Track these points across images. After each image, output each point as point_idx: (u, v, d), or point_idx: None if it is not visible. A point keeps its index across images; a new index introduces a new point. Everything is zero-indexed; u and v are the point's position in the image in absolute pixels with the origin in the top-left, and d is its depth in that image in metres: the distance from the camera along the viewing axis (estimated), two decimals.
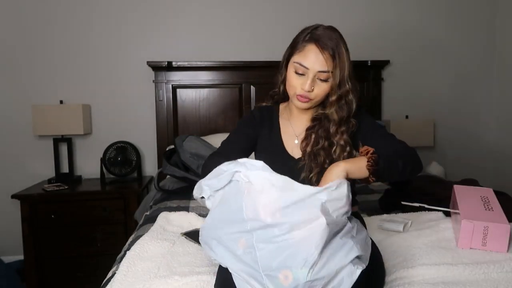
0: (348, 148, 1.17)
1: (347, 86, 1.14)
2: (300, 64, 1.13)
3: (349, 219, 0.95)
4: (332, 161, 1.14)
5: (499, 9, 3.04)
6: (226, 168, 0.96)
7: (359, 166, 1.05)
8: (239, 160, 0.96)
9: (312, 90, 1.14)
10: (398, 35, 2.96)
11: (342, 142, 1.17)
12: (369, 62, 2.81)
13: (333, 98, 1.15)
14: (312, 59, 1.12)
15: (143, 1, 2.70)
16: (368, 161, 1.05)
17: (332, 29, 1.16)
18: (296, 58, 1.15)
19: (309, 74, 1.12)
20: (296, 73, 1.14)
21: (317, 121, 1.21)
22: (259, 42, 2.80)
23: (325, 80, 1.13)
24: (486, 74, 3.10)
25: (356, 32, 2.85)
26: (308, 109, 1.21)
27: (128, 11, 2.69)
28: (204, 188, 1.00)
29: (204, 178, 1.01)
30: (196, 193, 1.03)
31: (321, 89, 1.14)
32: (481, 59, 3.09)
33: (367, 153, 1.07)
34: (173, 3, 2.72)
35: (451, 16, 3.01)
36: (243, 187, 0.92)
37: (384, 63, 2.89)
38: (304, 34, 1.16)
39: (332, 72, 1.12)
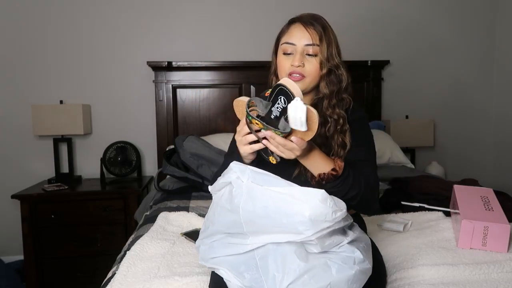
0: (341, 121, 1.13)
1: (336, 60, 1.14)
2: (287, 43, 1.14)
3: (350, 227, 0.94)
4: (328, 149, 1.13)
5: (499, 9, 3.04)
6: (234, 168, 0.92)
7: (319, 165, 1.02)
8: (250, 167, 0.92)
9: (303, 65, 1.12)
10: (398, 35, 2.96)
11: (335, 116, 1.13)
12: (369, 62, 2.81)
13: (324, 71, 1.13)
14: (298, 35, 1.13)
15: (143, 1, 2.70)
16: (322, 174, 1.01)
17: (315, 13, 1.19)
18: (282, 40, 1.17)
19: (297, 50, 1.13)
20: (285, 54, 1.15)
21: (314, 108, 1.20)
22: (259, 42, 2.79)
23: (314, 55, 1.12)
24: (486, 74, 3.10)
25: (356, 32, 2.85)
26: (303, 92, 1.19)
27: (128, 11, 2.69)
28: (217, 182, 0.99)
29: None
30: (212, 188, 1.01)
31: (312, 64, 1.13)
32: (481, 59, 3.09)
33: (332, 169, 1.02)
34: (173, 3, 2.72)
35: (451, 16, 3.01)
36: (238, 197, 0.89)
37: (384, 63, 2.89)
38: (289, 20, 1.20)
39: (319, 45, 1.11)
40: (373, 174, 1.12)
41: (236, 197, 0.88)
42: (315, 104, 1.19)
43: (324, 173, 1.02)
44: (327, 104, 1.15)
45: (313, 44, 1.11)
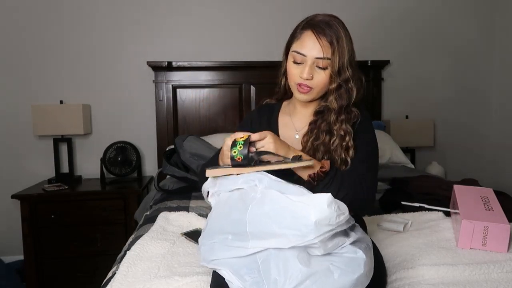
0: (347, 138, 1.13)
1: (347, 73, 1.11)
2: (298, 52, 1.11)
3: (351, 228, 0.94)
4: (330, 159, 1.13)
5: (499, 10, 3.04)
6: (251, 176, 0.95)
7: (307, 168, 1.06)
8: (269, 175, 0.95)
9: (312, 78, 1.11)
10: (398, 35, 2.96)
11: (341, 132, 1.13)
12: (369, 62, 2.81)
13: (333, 86, 1.12)
14: (309, 46, 1.10)
15: (143, 1, 2.70)
16: (312, 174, 1.05)
17: (331, 16, 1.14)
18: (294, 47, 1.14)
19: (307, 62, 1.11)
20: (295, 62, 1.13)
21: (320, 114, 1.18)
22: (259, 42, 2.80)
23: (324, 68, 1.10)
24: (486, 74, 3.10)
25: (356, 32, 2.84)
26: (310, 101, 1.19)
27: (128, 11, 2.69)
28: (217, 184, 0.99)
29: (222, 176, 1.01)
30: (208, 183, 1.02)
31: (320, 77, 1.11)
32: (481, 60, 3.09)
33: (320, 167, 1.06)
34: (173, 3, 2.73)
35: (452, 16, 3.02)
36: (250, 200, 0.91)
37: (384, 63, 2.89)
38: (303, 22, 1.15)
39: (330, 59, 1.09)
40: (370, 176, 1.11)
41: (249, 199, 0.90)
42: (321, 111, 1.19)
43: (313, 173, 1.04)
44: (335, 118, 1.15)
45: (323, 58, 1.09)
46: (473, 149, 3.13)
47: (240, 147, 0.97)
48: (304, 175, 1.06)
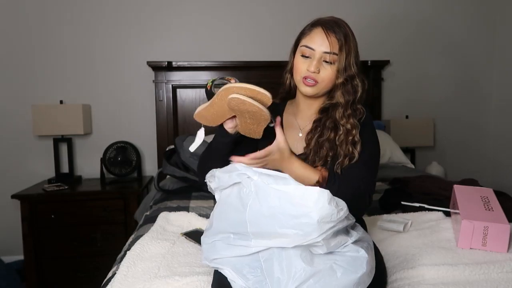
0: (353, 132, 1.14)
1: (353, 70, 1.14)
2: (306, 46, 1.15)
3: (353, 227, 0.94)
4: (335, 154, 1.14)
5: (499, 10, 3.04)
6: (240, 168, 0.93)
7: (303, 177, 1.09)
8: (258, 169, 0.93)
9: (318, 72, 1.13)
10: (398, 35, 2.96)
11: (348, 126, 1.14)
12: (369, 62, 2.81)
13: (339, 81, 1.14)
14: (318, 41, 1.13)
15: (143, 2, 2.70)
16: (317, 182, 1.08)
17: (338, 18, 1.19)
18: (303, 42, 1.17)
19: (315, 55, 1.13)
20: (303, 56, 1.16)
21: (325, 112, 1.20)
22: (259, 42, 2.80)
23: (331, 63, 1.13)
24: (486, 74, 3.10)
25: (356, 32, 2.84)
26: (314, 96, 1.19)
27: (128, 11, 2.69)
28: (215, 178, 0.98)
29: (219, 169, 0.99)
30: (208, 178, 1.02)
31: (327, 72, 1.14)
32: (481, 60, 3.09)
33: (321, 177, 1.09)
34: (173, 3, 2.73)
35: (451, 16, 3.02)
36: (247, 197, 0.90)
37: (384, 63, 2.89)
38: (312, 21, 1.19)
39: (337, 54, 1.12)
40: (367, 180, 1.12)
41: (245, 196, 0.89)
42: (326, 108, 1.20)
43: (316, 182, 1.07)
44: (342, 113, 1.16)
45: (331, 53, 1.12)
46: (473, 149, 3.13)
47: (215, 79, 1.07)
48: (304, 183, 1.07)
